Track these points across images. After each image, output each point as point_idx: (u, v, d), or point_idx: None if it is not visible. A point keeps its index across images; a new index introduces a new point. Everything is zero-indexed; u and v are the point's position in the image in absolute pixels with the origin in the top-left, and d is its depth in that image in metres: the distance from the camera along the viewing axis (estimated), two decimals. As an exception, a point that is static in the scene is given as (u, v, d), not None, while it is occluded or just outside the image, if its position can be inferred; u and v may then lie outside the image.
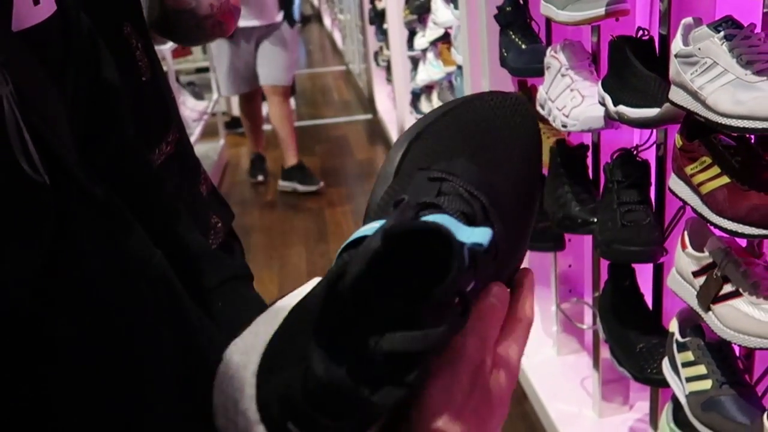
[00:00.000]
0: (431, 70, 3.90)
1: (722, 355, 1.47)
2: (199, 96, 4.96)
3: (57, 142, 0.39)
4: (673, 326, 1.58)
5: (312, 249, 3.86)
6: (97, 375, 0.37)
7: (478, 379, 0.43)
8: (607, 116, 1.69)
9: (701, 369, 1.47)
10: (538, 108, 1.99)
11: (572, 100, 1.82)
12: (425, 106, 4.26)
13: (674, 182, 1.46)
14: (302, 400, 0.36)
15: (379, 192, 0.47)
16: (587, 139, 2.05)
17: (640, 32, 1.63)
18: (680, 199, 1.45)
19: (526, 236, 0.51)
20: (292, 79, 4.69)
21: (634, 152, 1.74)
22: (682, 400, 1.51)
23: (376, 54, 5.72)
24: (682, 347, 1.53)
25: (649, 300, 1.85)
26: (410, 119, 4.61)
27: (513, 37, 2.15)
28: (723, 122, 1.22)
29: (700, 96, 1.26)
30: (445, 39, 3.65)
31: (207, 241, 0.72)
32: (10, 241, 0.34)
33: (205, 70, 5.58)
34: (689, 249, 1.45)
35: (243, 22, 3.97)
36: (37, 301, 0.35)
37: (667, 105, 1.42)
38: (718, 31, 1.26)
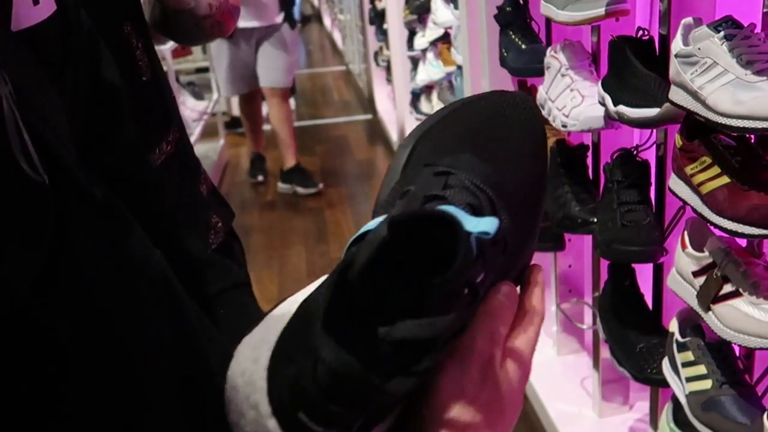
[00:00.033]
0: (431, 70, 3.90)
1: (722, 355, 1.47)
2: (199, 96, 4.96)
3: (56, 142, 0.39)
4: (673, 326, 1.58)
5: (312, 249, 3.86)
6: (96, 374, 0.37)
7: (489, 371, 0.43)
8: (607, 116, 1.69)
9: (701, 369, 1.47)
10: (538, 108, 1.99)
11: (572, 100, 1.82)
12: (425, 107, 4.26)
13: (674, 182, 1.46)
14: (313, 389, 0.36)
15: (386, 189, 0.47)
16: (587, 139, 2.05)
17: (640, 32, 1.63)
18: (680, 199, 1.45)
19: (535, 232, 0.51)
20: (292, 80, 4.69)
21: (634, 152, 1.74)
22: (682, 400, 1.51)
23: (376, 54, 5.72)
24: (682, 347, 1.53)
25: (649, 300, 1.85)
26: (410, 119, 4.61)
27: (513, 37, 2.15)
28: (723, 122, 1.22)
29: (700, 96, 1.26)
30: (445, 39, 3.65)
31: (207, 249, 0.72)
32: (10, 241, 0.34)
33: (205, 70, 5.57)
34: (689, 249, 1.45)
35: (243, 23, 3.96)
36: (37, 301, 0.35)
37: (667, 105, 1.42)
38: (718, 31, 1.26)
